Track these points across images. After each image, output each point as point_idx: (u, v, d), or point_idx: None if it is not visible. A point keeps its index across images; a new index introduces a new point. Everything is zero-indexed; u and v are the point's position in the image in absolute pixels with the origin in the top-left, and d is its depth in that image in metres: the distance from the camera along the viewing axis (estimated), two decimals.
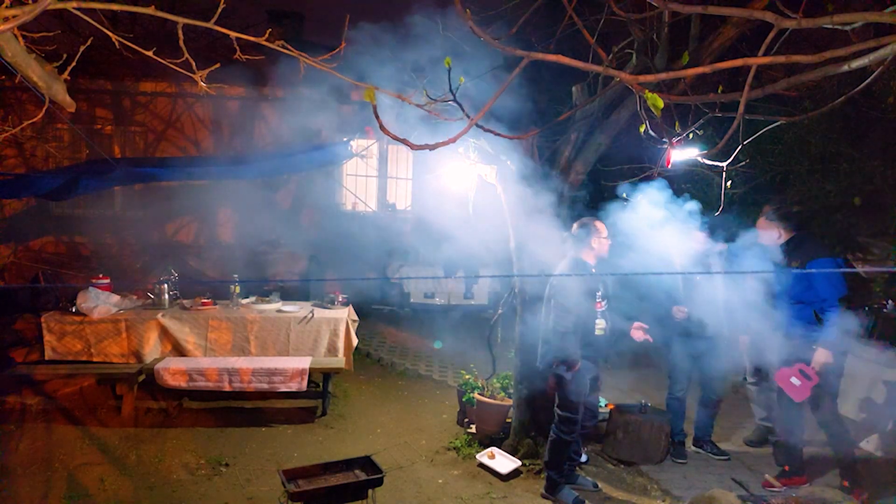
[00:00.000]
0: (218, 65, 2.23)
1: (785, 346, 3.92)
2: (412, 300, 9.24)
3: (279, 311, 5.69)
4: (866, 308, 5.39)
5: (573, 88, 4.50)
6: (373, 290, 9.46)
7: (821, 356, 3.81)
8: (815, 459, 4.40)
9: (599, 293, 3.96)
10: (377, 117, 1.89)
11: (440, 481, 4.25)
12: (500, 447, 4.53)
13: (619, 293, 4.18)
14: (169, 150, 8.31)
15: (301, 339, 5.54)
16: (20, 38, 2.05)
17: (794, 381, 3.86)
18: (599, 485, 4.19)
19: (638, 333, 4.13)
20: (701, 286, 4.37)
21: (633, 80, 1.98)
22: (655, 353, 4.68)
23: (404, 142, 1.99)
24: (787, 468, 4.17)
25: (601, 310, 3.96)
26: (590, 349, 3.93)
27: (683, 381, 4.60)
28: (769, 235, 4.16)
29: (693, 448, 4.70)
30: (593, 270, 3.95)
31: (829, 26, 1.84)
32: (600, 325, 3.95)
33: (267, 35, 1.93)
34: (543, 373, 4.08)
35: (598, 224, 3.96)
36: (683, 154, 3.75)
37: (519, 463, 4.35)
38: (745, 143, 2.79)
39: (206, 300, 5.72)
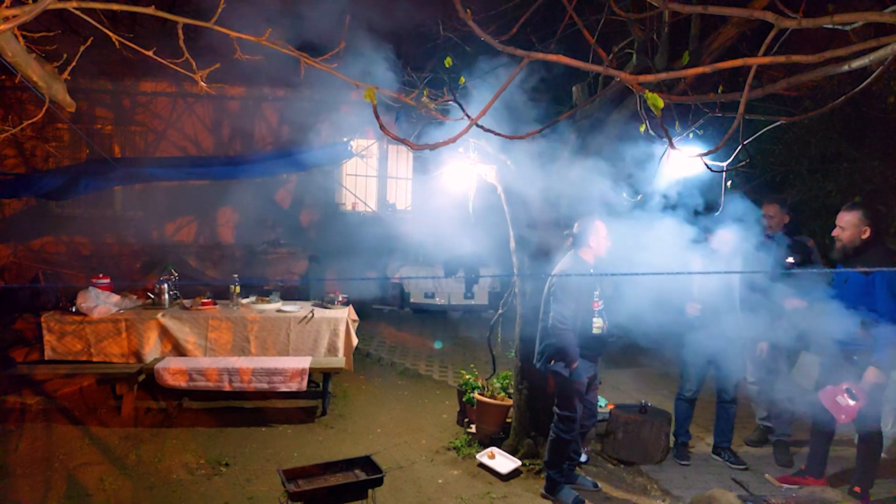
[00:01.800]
0: (218, 65, 2.23)
1: (831, 360, 3.69)
2: (412, 300, 9.24)
3: (279, 311, 5.69)
4: None
5: (573, 88, 4.50)
6: (373, 290, 9.47)
7: (872, 376, 3.52)
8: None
9: (597, 292, 3.97)
10: (377, 117, 1.89)
11: (440, 481, 4.25)
12: (500, 447, 4.53)
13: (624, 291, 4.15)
14: (169, 150, 8.31)
15: (301, 339, 5.54)
16: (20, 38, 2.05)
17: (840, 400, 3.61)
18: (599, 485, 4.19)
19: (692, 309, 4.34)
20: (720, 285, 4.32)
21: (633, 80, 1.98)
22: (654, 352, 4.67)
23: (404, 142, 1.99)
24: (803, 467, 4.17)
25: (599, 308, 3.97)
26: (587, 348, 3.94)
27: (694, 382, 4.54)
28: (854, 233, 3.70)
29: (712, 455, 4.64)
30: (592, 270, 3.96)
31: (829, 26, 1.84)
32: (598, 323, 3.95)
33: (267, 35, 1.93)
34: (542, 372, 4.09)
35: (598, 223, 3.95)
36: (683, 154, 3.75)
37: (519, 463, 4.35)
38: (745, 143, 2.79)
39: (206, 300, 5.72)
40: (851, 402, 3.57)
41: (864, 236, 3.68)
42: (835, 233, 3.81)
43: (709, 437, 4.99)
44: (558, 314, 3.81)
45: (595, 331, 3.95)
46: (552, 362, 3.91)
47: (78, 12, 1.81)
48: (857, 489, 3.88)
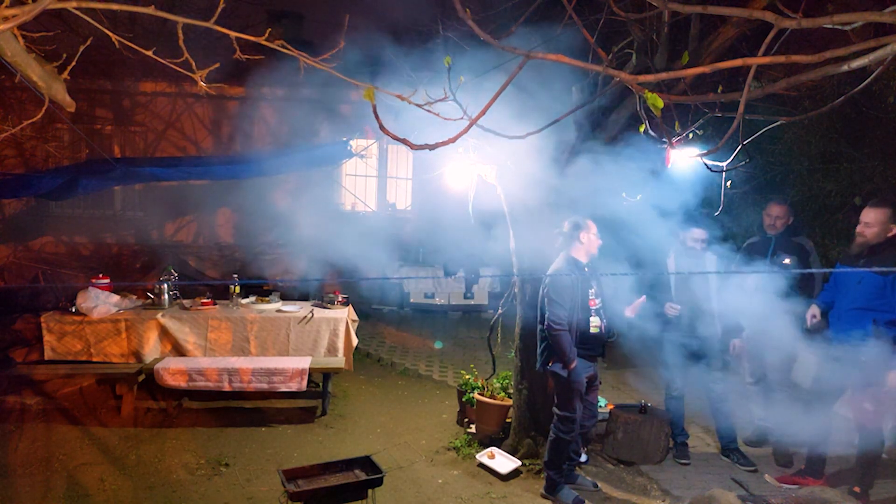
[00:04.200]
0: (218, 65, 2.23)
1: (851, 364, 3.60)
2: (412, 300, 9.24)
3: (279, 311, 5.69)
4: None
5: (573, 88, 4.50)
6: (373, 290, 9.46)
7: (894, 379, 3.45)
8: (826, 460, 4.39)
9: (593, 290, 3.97)
10: (377, 117, 1.89)
11: (440, 481, 4.25)
12: (499, 447, 4.53)
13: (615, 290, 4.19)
14: (169, 150, 8.32)
15: (301, 339, 5.54)
16: (20, 38, 2.05)
17: (868, 406, 3.59)
18: (599, 485, 4.19)
19: (671, 310, 4.34)
20: (694, 284, 4.37)
21: (632, 80, 1.98)
22: (654, 351, 4.67)
23: (404, 142, 1.99)
24: (802, 467, 4.17)
25: (595, 307, 3.97)
26: (586, 347, 3.93)
27: (678, 380, 4.58)
28: (881, 230, 3.66)
29: (721, 457, 4.64)
30: (586, 269, 3.96)
31: (829, 26, 1.84)
32: (595, 322, 3.95)
33: (267, 35, 1.93)
34: (542, 372, 4.09)
35: (588, 221, 3.97)
36: (683, 154, 3.75)
37: (519, 463, 4.34)
38: (745, 143, 2.79)
39: (206, 300, 5.72)
40: (878, 407, 3.54)
41: (890, 234, 3.66)
42: (859, 229, 3.77)
43: (709, 437, 5.00)
44: (553, 315, 3.81)
45: (593, 330, 3.94)
46: (550, 363, 3.91)
47: (78, 12, 1.80)
48: (856, 489, 3.88)
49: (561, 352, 3.81)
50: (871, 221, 3.70)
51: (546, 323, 3.86)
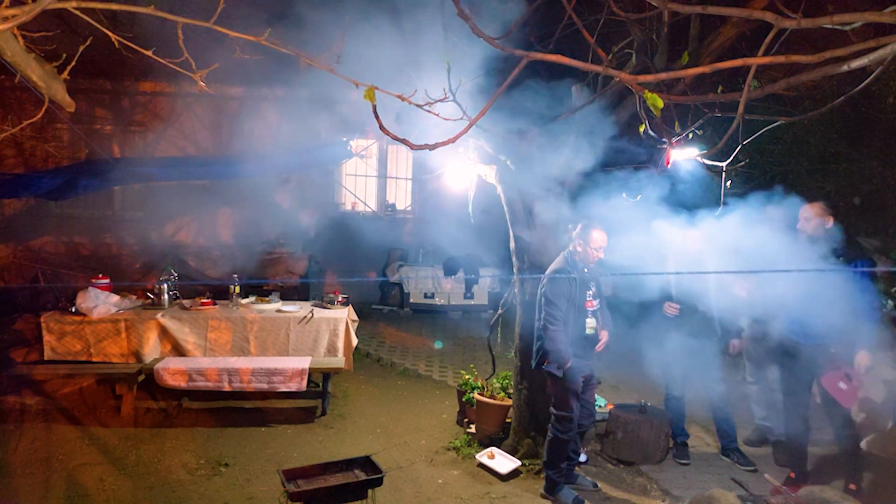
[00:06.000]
0: (217, 64, 2.23)
1: (825, 349, 3.79)
2: (412, 300, 9.25)
3: (279, 311, 5.69)
4: None
5: (573, 88, 4.50)
6: (373, 290, 9.46)
7: (863, 359, 3.68)
8: (819, 459, 4.39)
9: (591, 292, 3.96)
10: (377, 117, 1.89)
11: (440, 481, 4.25)
12: (499, 447, 4.53)
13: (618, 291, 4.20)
14: (168, 150, 8.31)
15: (301, 339, 5.54)
16: (20, 38, 2.05)
17: (842, 385, 3.74)
18: (599, 485, 4.19)
19: (671, 309, 4.39)
20: (694, 284, 4.37)
21: (632, 80, 1.98)
22: (653, 351, 4.67)
23: (404, 142, 1.99)
24: (792, 475, 4.16)
25: (593, 308, 3.96)
26: (581, 347, 3.93)
27: (678, 379, 4.58)
28: (818, 222, 3.93)
29: (721, 456, 4.64)
30: (586, 270, 3.95)
31: (829, 26, 1.84)
32: (591, 323, 3.95)
33: (266, 34, 1.93)
34: (539, 372, 4.09)
35: (595, 232, 3.88)
36: (683, 154, 3.76)
37: (519, 463, 4.35)
38: (744, 143, 2.80)
39: (205, 300, 5.72)
40: (851, 386, 3.72)
41: (828, 226, 3.91)
42: (800, 225, 4.01)
43: (709, 437, 5.00)
44: (549, 314, 3.81)
45: (588, 331, 3.94)
46: (545, 363, 3.91)
47: (77, 12, 1.81)
48: (852, 486, 3.92)
49: (556, 351, 3.81)
50: (809, 216, 3.98)
51: (542, 322, 3.85)
